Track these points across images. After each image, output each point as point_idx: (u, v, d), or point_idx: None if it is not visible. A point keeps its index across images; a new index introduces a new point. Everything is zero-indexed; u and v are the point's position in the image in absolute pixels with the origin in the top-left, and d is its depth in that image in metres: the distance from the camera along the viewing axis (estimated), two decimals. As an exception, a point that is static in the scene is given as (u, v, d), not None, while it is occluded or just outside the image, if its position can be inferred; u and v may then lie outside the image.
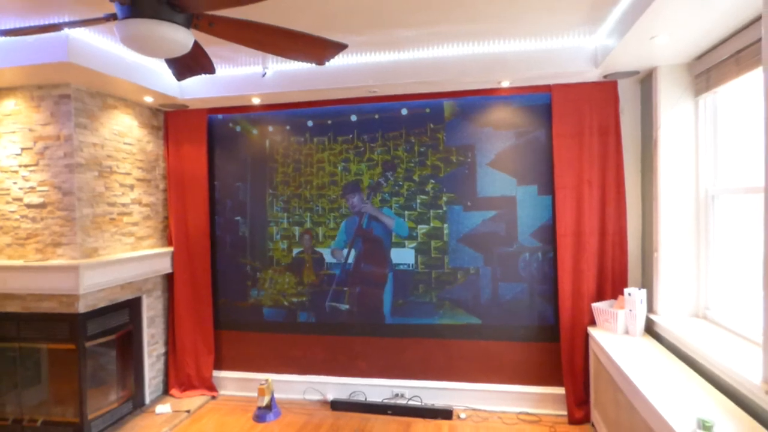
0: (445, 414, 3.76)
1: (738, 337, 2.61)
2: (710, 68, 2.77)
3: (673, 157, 3.13)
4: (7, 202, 3.43)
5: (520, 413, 3.77)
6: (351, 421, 3.76)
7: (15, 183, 3.41)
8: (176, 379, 4.25)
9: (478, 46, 3.33)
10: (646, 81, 3.40)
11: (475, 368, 3.90)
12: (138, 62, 3.40)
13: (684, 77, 3.08)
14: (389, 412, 3.85)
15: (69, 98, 3.32)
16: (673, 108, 3.10)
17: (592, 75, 3.40)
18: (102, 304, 3.52)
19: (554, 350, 3.76)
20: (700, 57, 2.90)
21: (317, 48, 2.15)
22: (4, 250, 3.45)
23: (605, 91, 3.51)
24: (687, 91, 3.08)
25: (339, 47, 2.15)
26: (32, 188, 3.39)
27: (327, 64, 3.38)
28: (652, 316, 3.22)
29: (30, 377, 3.54)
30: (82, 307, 3.32)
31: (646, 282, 3.48)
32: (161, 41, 1.86)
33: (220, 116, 4.24)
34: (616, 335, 3.28)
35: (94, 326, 3.48)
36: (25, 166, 3.40)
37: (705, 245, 3.06)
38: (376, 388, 4.03)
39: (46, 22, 2.66)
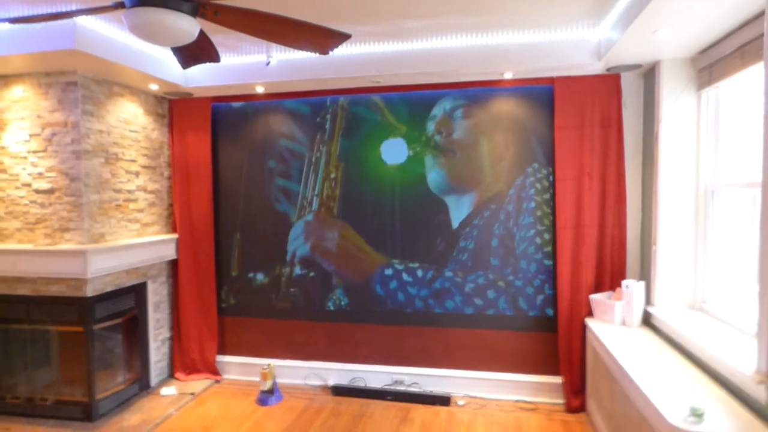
0: (444, 400, 3.83)
1: (733, 329, 2.65)
2: (713, 62, 2.77)
3: (674, 151, 3.14)
4: (17, 188, 3.49)
5: (518, 401, 3.84)
6: (351, 406, 3.84)
7: (24, 169, 3.47)
8: (181, 363, 4.34)
9: (481, 38, 3.34)
10: (649, 74, 3.41)
11: (474, 357, 3.96)
12: (143, 50, 3.44)
13: (687, 71, 3.09)
14: (389, 398, 3.92)
15: (76, 85, 3.37)
16: (675, 102, 3.12)
17: (595, 68, 3.40)
18: (109, 289, 3.60)
19: (552, 340, 3.81)
20: (703, 51, 2.91)
21: (321, 38, 2.18)
22: (15, 234, 3.52)
23: (608, 84, 3.52)
24: (690, 85, 3.08)
25: (342, 37, 2.17)
26: (41, 174, 3.45)
27: (331, 54, 3.41)
28: (649, 308, 3.26)
29: (40, 358, 3.64)
30: (89, 291, 3.40)
31: (645, 274, 3.52)
32: (168, 30, 1.90)
33: (224, 104, 4.27)
34: (613, 326, 3.32)
35: (101, 310, 3.56)
36: (34, 152, 3.45)
37: (703, 239, 3.09)
38: (376, 375, 4.10)
39: (55, 10, 2.70)
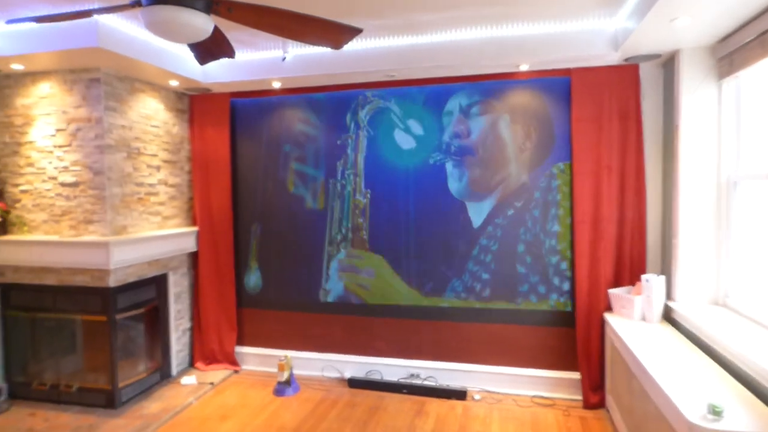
0: (460, 395, 3.82)
1: (757, 326, 2.58)
2: (733, 51, 2.70)
3: (695, 143, 3.07)
4: (43, 181, 3.62)
5: (535, 396, 3.81)
6: (367, 398, 3.87)
7: (50, 163, 3.60)
8: (201, 353, 4.44)
9: (496, 30, 3.31)
10: (669, 64, 3.33)
11: (491, 351, 3.94)
12: (163, 47, 3.51)
13: (707, 60, 3.01)
14: (404, 391, 3.94)
15: (99, 82, 3.46)
16: (695, 92, 3.04)
17: (613, 58, 3.34)
18: (131, 280, 3.70)
19: (570, 335, 3.77)
20: (723, 39, 2.83)
21: (333, 32, 2.20)
22: (41, 226, 3.65)
23: (626, 74, 3.45)
24: (710, 74, 3.00)
25: (354, 32, 2.19)
26: (66, 168, 3.56)
27: (345, 48, 3.41)
28: (670, 303, 3.19)
29: (66, 346, 3.77)
30: (112, 282, 3.50)
31: (665, 269, 3.45)
32: (183, 27, 1.95)
33: (242, 100, 4.34)
34: (632, 321, 3.27)
35: (123, 300, 3.66)
36: (60, 146, 3.57)
37: (726, 232, 3.01)
38: (392, 368, 4.12)
39: (76, 9, 2.78)
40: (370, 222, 4.11)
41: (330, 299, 4.25)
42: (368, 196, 4.09)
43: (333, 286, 4.23)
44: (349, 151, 4.11)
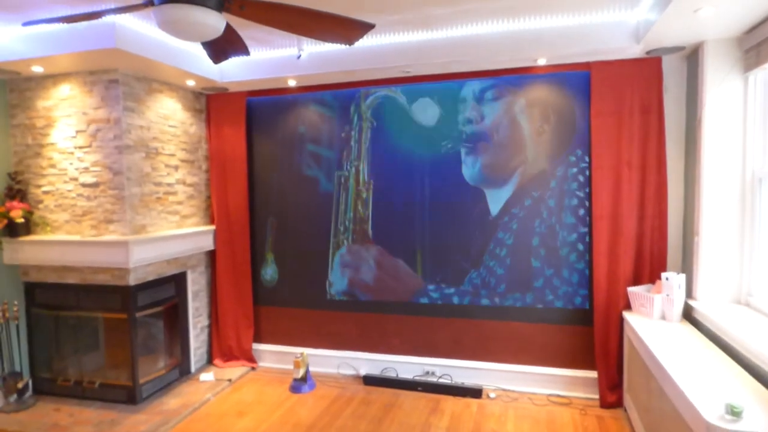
0: (475, 393, 3.80)
1: (781, 325, 2.51)
2: (761, 42, 2.60)
3: (719, 137, 2.98)
4: (65, 182, 3.69)
5: (551, 395, 3.77)
6: (382, 395, 3.87)
7: (71, 164, 3.67)
8: (219, 350, 4.50)
9: (513, 23, 3.26)
10: (693, 57, 3.23)
11: (507, 349, 3.91)
12: (180, 47, 3.55)
13: (733, 52, 2.91)
14: (419, 388, 3.93)
15: (117, 83, 3.51)
16: (720, 85, 2.95)
17: (634, 51, 3.26)
18: (150, 278, 3.76)
19: (587, 333, 3.71)
20: (750, 30, 2.73)
21: (345, 28, 2.19)
22: (63, 226, 3.73)
23: (648, 68, 3.36)
24: (736, 66, 2.91)
25: (366, 27, 2.17)
26: (86, 168, 3.63)
27: (360, 44, 3.42)
28: (690, 302, 3.12)
29: (88, 343, 3.85)
30: (132, 280, 3.56)
31: (686, 266, 3.37)
32: (195, 25, 1.96)
33: (258, 98, 4.36)
34: (651, 320, 3.20)
35: (143, 298, 3.72)
36: (80, 147, 3.64)
37: (750, 229, 2.92)
38: (407, 365, 4.12)
39: (90, 10, 2.82)
40: (374, 214, 4.11)
41: (333, 291, 4.27)
42: (370, 187, 4.09)
43: (336, 279, 4.25)
44: (352, 143, 4.11)
